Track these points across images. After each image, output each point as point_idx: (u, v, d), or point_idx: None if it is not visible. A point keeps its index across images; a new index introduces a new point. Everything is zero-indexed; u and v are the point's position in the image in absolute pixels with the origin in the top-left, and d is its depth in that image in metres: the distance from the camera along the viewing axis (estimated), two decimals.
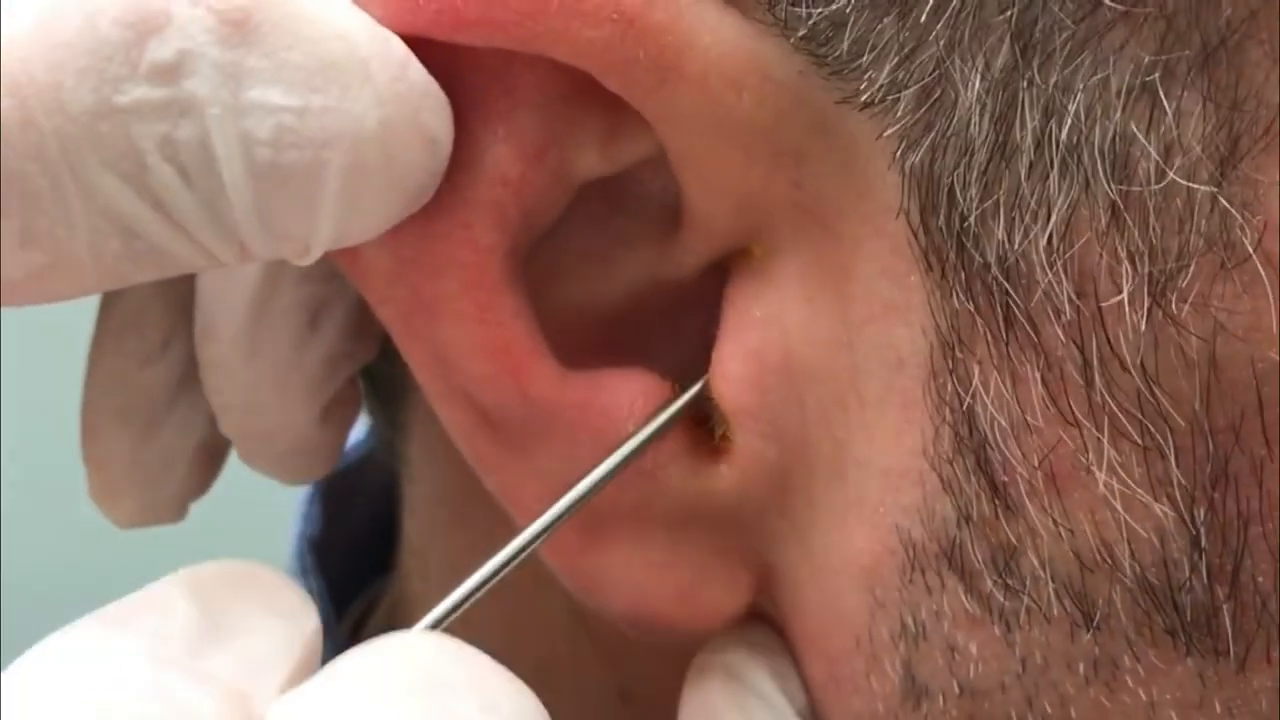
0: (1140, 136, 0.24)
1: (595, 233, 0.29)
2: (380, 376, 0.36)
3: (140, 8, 0.24)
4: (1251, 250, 0.24)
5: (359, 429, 0.38)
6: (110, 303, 0.34)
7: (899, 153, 0.26)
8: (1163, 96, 0.24)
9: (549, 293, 0.29)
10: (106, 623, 0.25)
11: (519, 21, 0.26)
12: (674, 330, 0.30)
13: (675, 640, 0.31)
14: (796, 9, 0.26)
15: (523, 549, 0.28)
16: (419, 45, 0.26)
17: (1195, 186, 0.24)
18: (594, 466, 0.28)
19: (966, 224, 0.26)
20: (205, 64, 0.24)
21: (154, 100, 0.24)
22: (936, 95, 0.25)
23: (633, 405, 0.28)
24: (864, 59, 0.26)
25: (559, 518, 0.28)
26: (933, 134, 0.25)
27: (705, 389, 0.29)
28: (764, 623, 0.31)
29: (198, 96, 0.25)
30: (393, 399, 0.37)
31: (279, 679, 0.25)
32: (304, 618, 0.26)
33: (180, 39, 0.24)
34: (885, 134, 0.26)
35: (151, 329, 0.33)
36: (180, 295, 0.33)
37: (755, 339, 0.28)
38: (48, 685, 0.23)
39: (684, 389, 0.29)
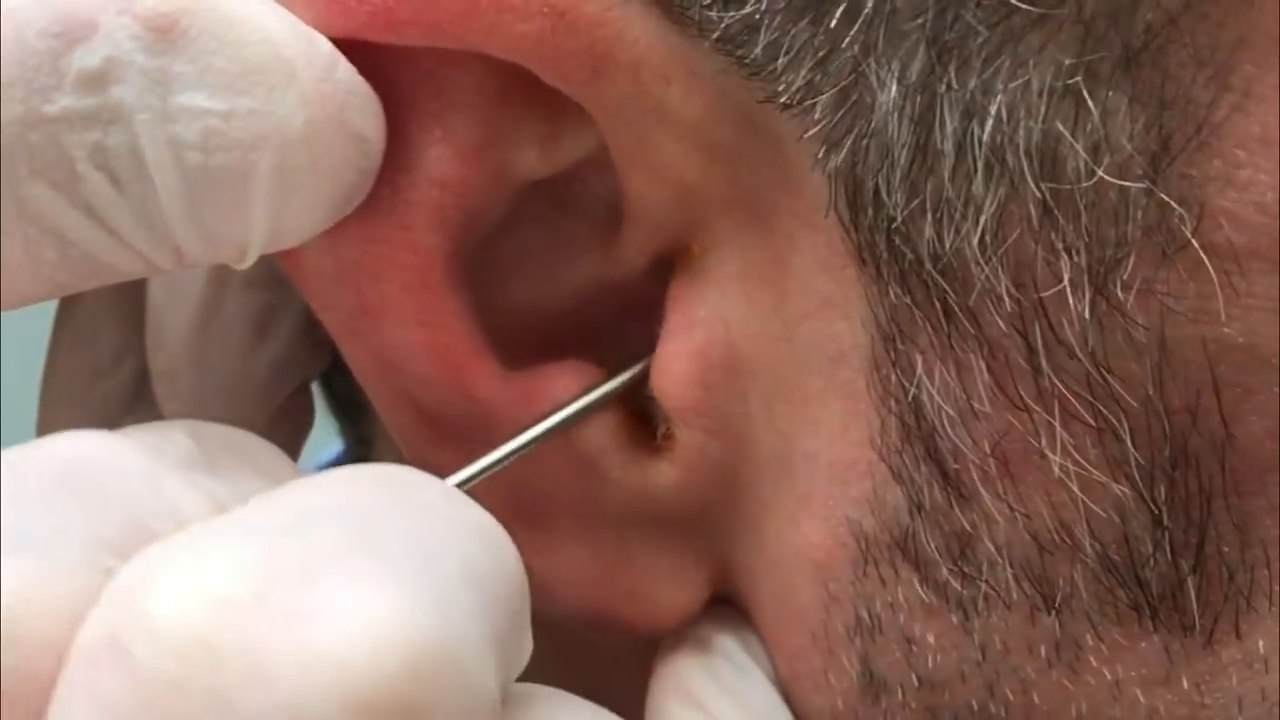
0: (1067, 135, 0.24)
1: (541, 234, 0.29)
2: (343, 391, 0.36)
3: (66, 17, 0.24)
4: (1192, 239, 0.25)
5: (331, 443, 0.38)
6: (63, 318, 0.34)
7: (820, 154, 0.26)
8: (1087, 97, 0.24)
9: (494, 294, 0.29)
10: (108, 434, 0.25)
11: (452, 20, 0.26)
12: (621, 332, 0.30)
13: (630, 638, 0.31)
14: (709, 11, 0.26)
15: None
16: (353, 48, 0.26)
17: (1128, 184, 0.24)
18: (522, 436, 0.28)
19: (895, 224, 0.26)
20: (132, 71, 0.25)
21: (82, 109, 0.25)
22: (854, 99, 0.25)
23: (571, 393, 0.28)
24: (779, 62, 0.26)
25: (474, 477, 0.28)
26: (853, 137, 0.26)
27: (647, 385, 0.29)
28: (732, 606, 0.31)
29: (126, 103, 0.25)
30: (356, 413, 0.37)
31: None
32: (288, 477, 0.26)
33: (107, 47, 0.24)
34: (806, 135, 0.26)
35: (104, 344, 0.33)
36: (132, 309, 0.33)
37: (699, 336, 0.28)
38: (38, 452, 0.24)
39: (632, 386, 0.29)
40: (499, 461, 0.28)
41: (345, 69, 0.26)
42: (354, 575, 0.22)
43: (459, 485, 0.28)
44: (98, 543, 0.22)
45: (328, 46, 0.26)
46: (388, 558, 0.22)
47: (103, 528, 0.23)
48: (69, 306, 0.34)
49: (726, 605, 0.31)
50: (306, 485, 0.24)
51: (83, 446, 0.24)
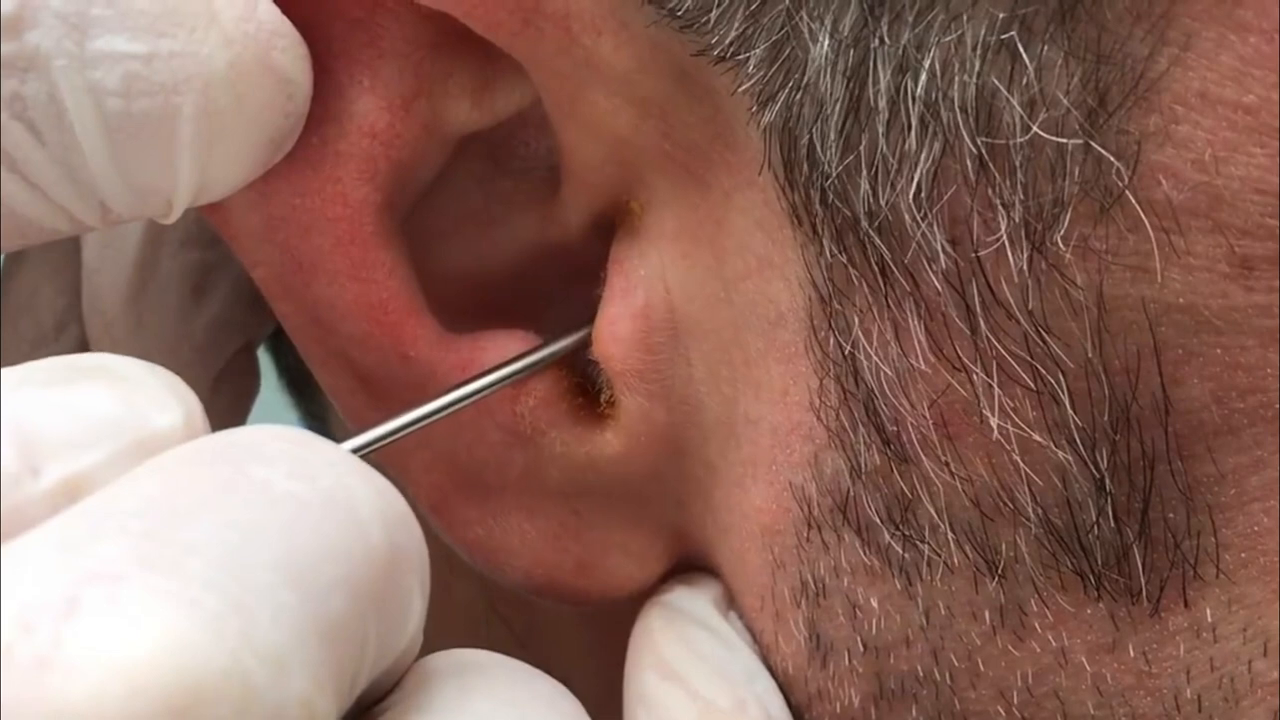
0: (1003, 90, 0.24)
1: (479, 193, 0.29)
2: (294, 363, 0.35)
3: None
4: (1129, 194, 0.24)
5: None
6: (3, 287, 0.33)
7: (754, 110, 0.26)
8: (1022, 51, 0.24)
9: (433, 253, 0.29)
10: None
11: None
12: (565, 296, 0.29)
13: (587, 608, 0.30)
14: None
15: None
16: None
17: (1064, 140, 0.24)
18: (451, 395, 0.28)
19: (830, 180, 0.25)
20: (48, 15, 0.24)
21: None
22: (787, 53, 0.25)
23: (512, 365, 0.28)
24: (712, 14, 0.25)
25: (383, 439, 0.27)
26: (786, 92, 0.25)
27: (589, 351, 0.28)
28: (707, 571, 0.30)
29: (42, 49, 0.24)
30: (307, 386, 0.36)
31: (87, 452, 0.23)
32: (158, 413, 0.23)
33: None
34: (740, 90, 0.26)
35: (44, 312, 0.33)
36: (72, 278, 0.33)
37: (639, 298, 0.28)
38: None
39: (573, 356, 0.29)
40: (415, 423, 0.27)
41: (267, 8, 0.25)
42: (117, 603, 0.20)
43: (365, 449, 0.27)
44: None
45: None
46: (172, 568, 0.20)
47: None
48: (10, 275, 0.33)
49: (701, 571, 0.30)
50: (131, 478, 0.22)
51: None
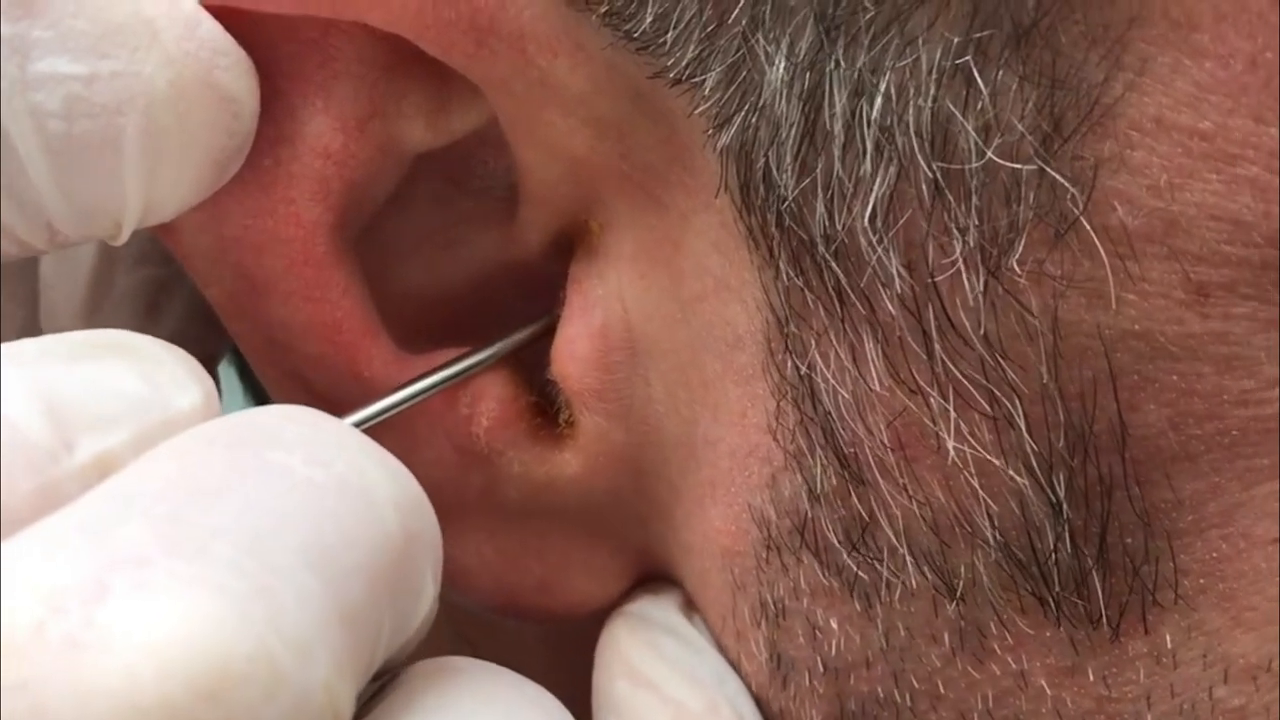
0: (958, 115, 0.24)
1: (438, 212, 0.28)
2: (257, 379, 0.35)
3: None
4: (1087, 223, 0.24)
5: None
6: None
7: (710, 132, 0.26)
8: (977, 76, 0.24)
9: (390, 274, 0.28)
10: None
11: None
12: (523, 315, 0.29)
13: (549, 625, 0.30)
14: None
15: None
16: (236, 17, 0.25)
17: (1018, 166, 0.24)
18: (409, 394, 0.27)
19: (786, 203, 0.25)
20: None
21: None
22: (743, 75, 0.25)
23: (466, 383, 0.28)
24: (668, 36, 0.25)
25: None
26: (742, 114, 0.25)
27: (548, 371, 0.28)
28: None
29: None
30: (270, 401, 0.36)
31: (116, 430, 0.23)
32: (178, 393, 0.24)
33: None
34: (696, 112, 0.25)
35: (7, 323, 0.33)
36: (31, 291, 0.32)
37: (598, 317, 0.28)
38: None
39: (531, 376, 0.28)
40: (364, 421, 0.27)
41: (210, 27, 0.25)
42: (146, 586, 0.20)
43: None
44: None
45: (191, 4, 0.25)
46: (198, 552, 0.21)
47: None
48: None
49: (663, 580, 0.30)
50: (150, 459, 0.22)
51: None
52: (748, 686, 0.29)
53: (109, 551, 0.20)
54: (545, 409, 0.29)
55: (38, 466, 0.22)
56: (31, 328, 0.33)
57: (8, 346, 0.23)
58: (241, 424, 0.23)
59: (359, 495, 0.23)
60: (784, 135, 0.25)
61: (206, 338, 0.33)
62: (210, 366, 0.33)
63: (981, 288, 0.24)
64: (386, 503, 0.23)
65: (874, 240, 0.25)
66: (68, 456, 0.22)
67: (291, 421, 0.23)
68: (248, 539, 0.21)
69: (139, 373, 0.23)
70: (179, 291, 0.32)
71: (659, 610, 0.29)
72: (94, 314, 0.31)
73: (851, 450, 0.26)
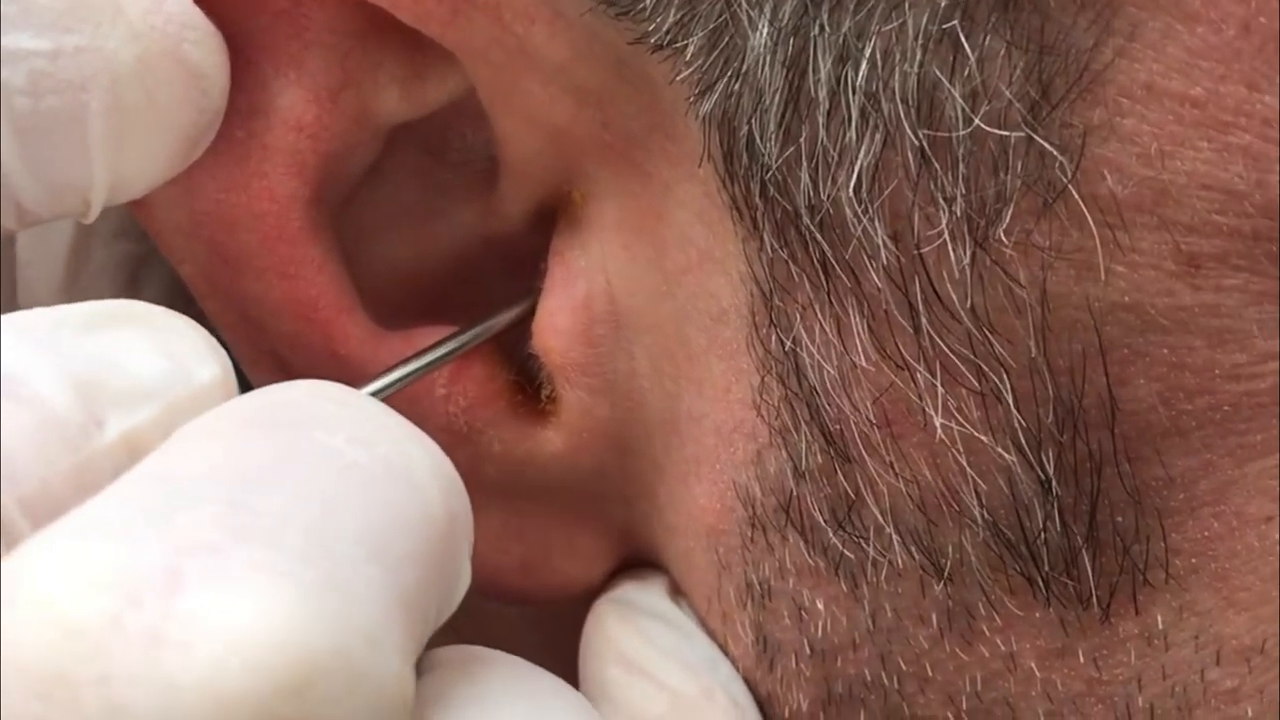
0: (945, 81, 0.23)
1: (416, 186, 0.28)
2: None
3: None
4: (1075, 192, 0.24)
5: None
6: None
7: (693, 99, 0.25)
8: (964, 40, 0.23)
9: (367, 248, 0.28)
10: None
11: None
12: (504, 289, 0.28)
13: (532, 607, 0.30)
14: None
15: None
16: None
17: (1006, 133, 0.23)
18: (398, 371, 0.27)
19: (770, 173, 0.25)
20: None
21: None
22: (725, 41, 0.24)
23: (445, 363, 0.27)
24: (648, 1, 0.25)
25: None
26: (725, 80, 0.25)
27: (529, 345, 0.28)
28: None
29: None
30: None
31: (143, 406, 0.22)
32: (199, 366, 0.23)
33: None
34: (678, 78, 0.25)
35: None
36: (7, 269, 0.32)
37: (581, 290, 0.27)
38: None
39: (510, 352, 0.28)
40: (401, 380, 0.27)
41: (176, 0, 0.24)
42: (222, 576, 0.20)
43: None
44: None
45: None
46: (267, 541, 0.20)
47: None
48: None
49: (648, 565, 0.30)
50: (186, 441, 0.22)
51: None
52: (735, 670, 0.28)
53: (175, 539, 0.20)
54: (525, 386, 0.28)
55: (73, 444, 0.21)
56: (9, 305, 0.32)
57: (17, 317, 0.22)
58: (275, 402, 0.22)
59: (404, 477, 0.22)
60: (767, 102, 0.24)
61: (188, 313, 0.32)
62: None
63: (969, 259, 0.24)
64: (429, 484, 0.22)
65: (859, 211, 0.24)
66: (99, 434, 0.21)
67: (323, 399, 0.23)
68: (312, 526, 0.20)
69: (157, 345, 0.23)
70: (158, 266, 0.31)
71: (646, 596, 0.29)
72: (71, 290, 0.31)
73: (837, 427, 0.26)
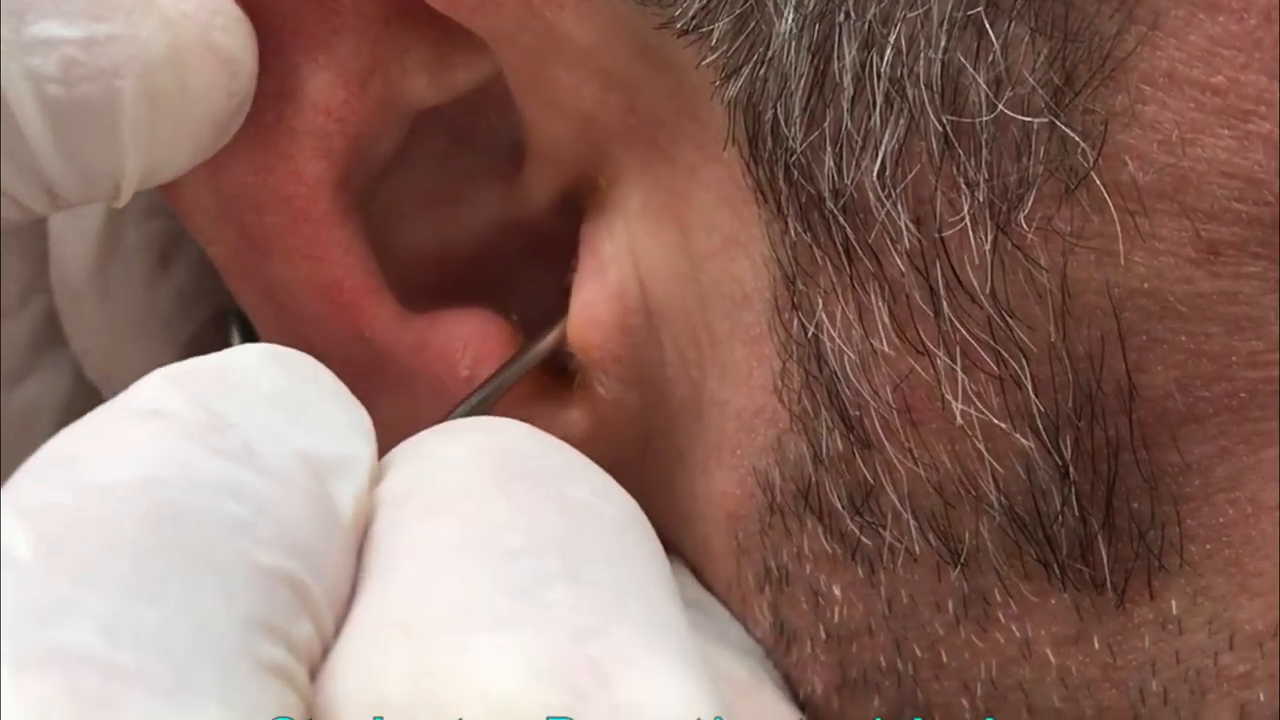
0: (969, 67, 0.23)
1: (442, 170, 0.28)
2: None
3: None
4: (1097, 179, 0.24)
5: None
6: None
7: (718, 83, 0.25)
8: (988, 27, 0.23)
9: (393, 232, 0.28)
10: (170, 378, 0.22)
11: None
12: (528, 274, 0.29)
13: None
14: None
15: None
16: None
17: (1029, 119, 0.24)
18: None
19: (794, 156, 0.25)
20: None
21: None
22: (751, 26, 0.25)
23: (467, 345, 0.28)
24: None
25: None
26: (750, 65, 0.25)
27: (562, 334, 0.28)
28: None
29: None
30: None
31: (358, 467, 0.22)
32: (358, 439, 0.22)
33: None
34: (704, 63, 0.25)
35: (10, 281, 0.33)
36: (36, 248, 0.32)
37: (614, 278, 0.27)
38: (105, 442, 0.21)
39: (535, 331, 0.28)
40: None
41: None
42: (628, 662, 0.19)
43: None
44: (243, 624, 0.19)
45: None
46: (647, 621, 0.20)
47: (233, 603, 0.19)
48: None
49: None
50: (453, 497, 0.21)
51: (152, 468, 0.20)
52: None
53: (555, 622, 0.19)
54: (551, 368, 0.28)
55: (333, 519, 0.21)
56: (38, 285, 0.32)
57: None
58: (499, 450, 0.22)
59: (645, 528, 0.22)
60: (792, 87, 0.24)
61: (218, 290, 0.33)
62: (221, 322, 0.33)
63: (990, 244, 0.24)
64: (651, 530, 0.22)
65: (882, 195, 0.24)
66: (337, 507, 0.21)
67: (532, 443, 0.22)
68: (640, 593, 0.20)
69: (338, 401, 0.22)
70: (190, 244, 0.31)
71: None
72: (104, 268, 0.31)
73: (856, 412, 0.26)
